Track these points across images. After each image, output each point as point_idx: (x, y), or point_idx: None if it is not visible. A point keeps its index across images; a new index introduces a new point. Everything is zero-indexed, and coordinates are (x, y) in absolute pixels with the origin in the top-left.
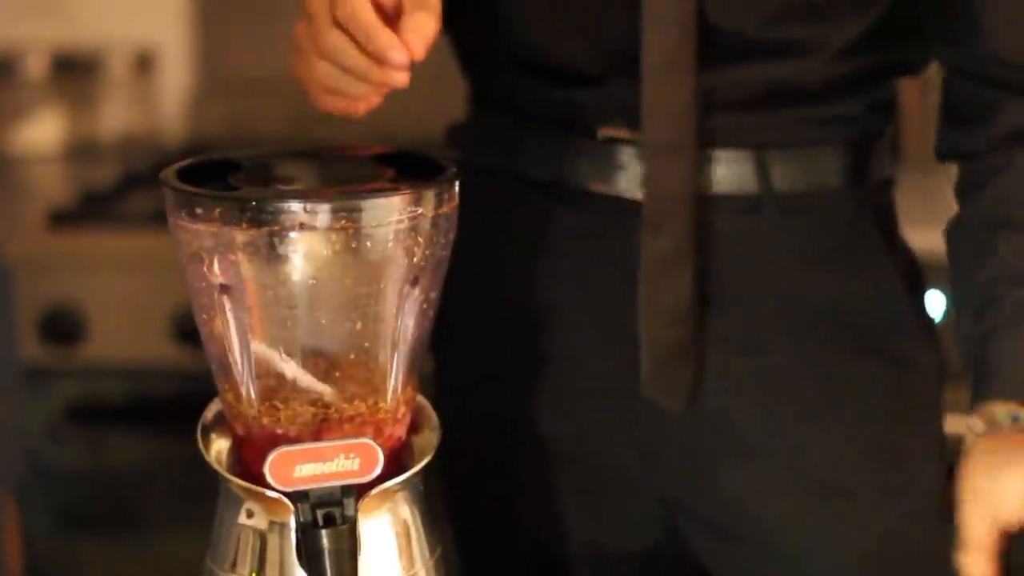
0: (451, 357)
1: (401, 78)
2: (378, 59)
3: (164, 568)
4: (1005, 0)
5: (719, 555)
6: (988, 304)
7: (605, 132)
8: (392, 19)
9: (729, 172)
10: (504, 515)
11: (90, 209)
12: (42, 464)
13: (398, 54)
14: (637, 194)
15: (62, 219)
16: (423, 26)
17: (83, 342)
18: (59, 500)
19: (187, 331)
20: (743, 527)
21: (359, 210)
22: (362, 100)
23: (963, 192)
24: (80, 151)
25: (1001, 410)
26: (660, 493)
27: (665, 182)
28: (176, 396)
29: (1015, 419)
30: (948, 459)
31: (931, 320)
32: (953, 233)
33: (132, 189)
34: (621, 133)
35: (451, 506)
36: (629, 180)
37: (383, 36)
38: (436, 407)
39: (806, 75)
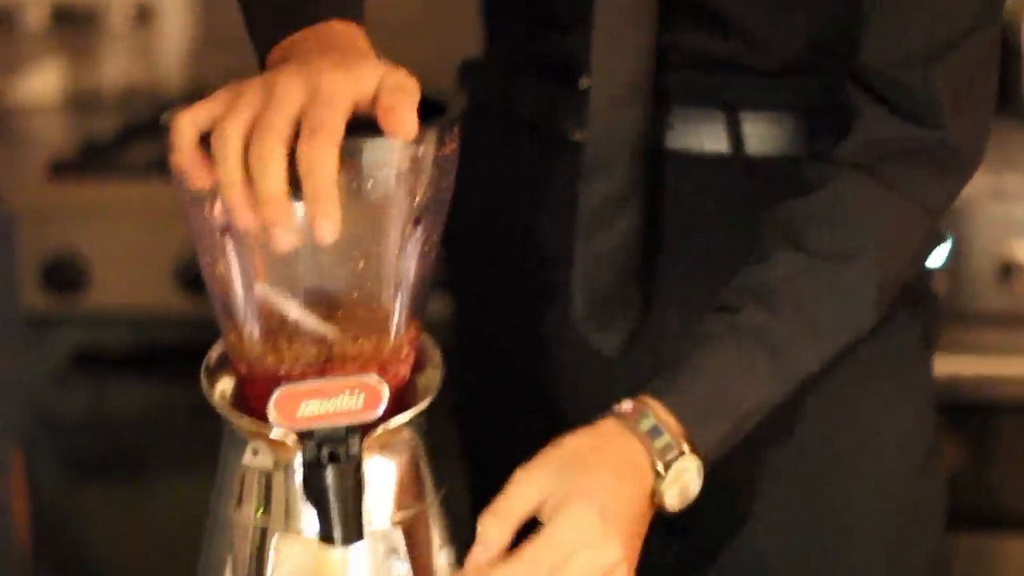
0: (463, 298)
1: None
2: (310, 208)
3: (170, 514)
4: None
5: None
6: (728, 305)
7: (584, 82)
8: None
9: (693, 129)
10: (516, 456)
11: (91, 159)
12: (47, 413)
13: (328, 234)
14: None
15: (63, 169)
16: (405, 103)
17: (86, 291)
18: (64, 448)
19: (190, 278)
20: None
21: (360, 151)
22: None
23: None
24: (81, 102)
25: (656, 417)
26: None
27: (605, 127)
28: (180, 343)
29: (654, 434)
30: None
31: (918, 284)
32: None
33: (133, 139)
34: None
35: (464, 446)
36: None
37: (329, 203)
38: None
39: (766, 55)
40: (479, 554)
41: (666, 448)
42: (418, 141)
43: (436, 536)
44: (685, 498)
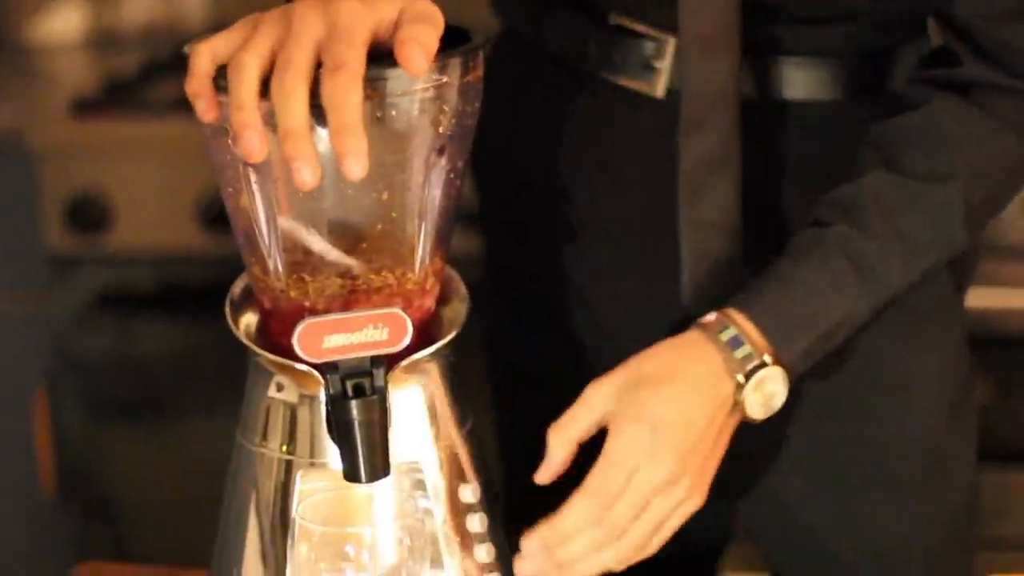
0: (491, 228)
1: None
2: (337, 145)
3: (194, 453)
4: None
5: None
6: (819, 219)
7: (617, 19)
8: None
9: (759, 77)
10: (543, 390)
11: (114, 97)
12: (71, 353)
13: (356, 171)
14: (637, 84)
15: (86, 107)
16: (423, 37)
17: (110, 230)
18: (89, 388)
19: (213, 216)
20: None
21: (384, 79)
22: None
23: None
24: (103, 39)
25: (737, 327)
26: None
27: (705, 79)
28: (204, 282)
29: (734, 344)
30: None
31: None
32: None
33: (155, 76)
34: (630, 22)
35: (492, 378)
36: (631, 70)
37: (356, 138)
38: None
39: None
40: (545, 470)
41: (747, 358)
42: (441, 70)
43: (462, 470)
44: (769, 408)
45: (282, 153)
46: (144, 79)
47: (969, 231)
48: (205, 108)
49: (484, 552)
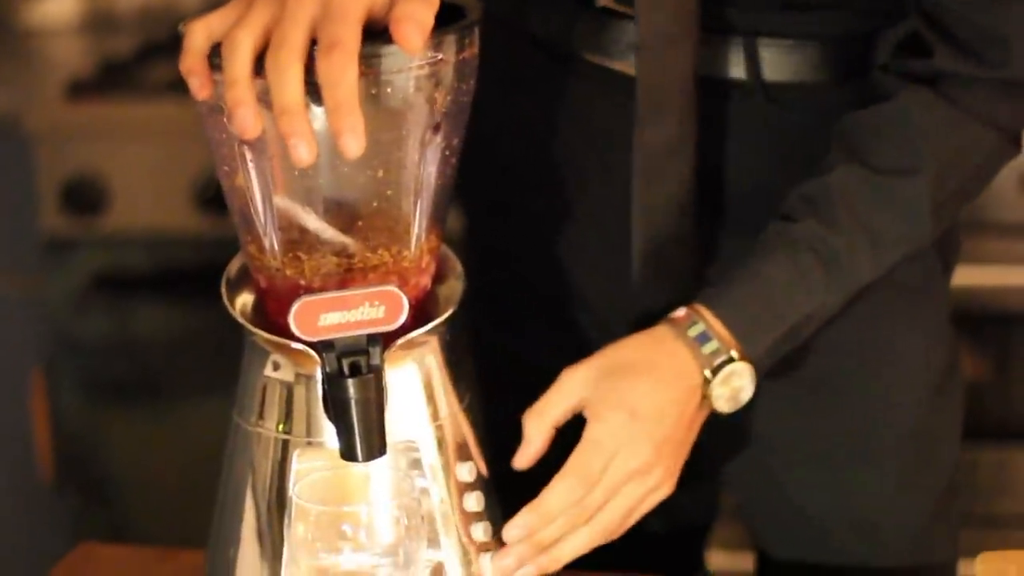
0: (474, 211)
1: (304, 156)
2: (333, 123)
3: (191, 435)
4: None
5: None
6: (788, 214)
7: (603, 2)
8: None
9: (718, 57)
10: (526, 369)
11: (109, 79)
12: (67, 335)
13: (353, 148)
14: (624, 67)
15: (81, 89)
16: (418, 15)
17: (106, 212)
18: (85, 371)
19: (209, 198)
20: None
21: (379, 56)
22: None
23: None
24: (97, 22)
25: (705, 323)
26: None
27: (662, 69)
28: (200, 264)
29: (702, 340)
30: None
31: None
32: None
33: (151, 58)
34: (616, 5)
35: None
36: (622, 54)
37: (353, 116)
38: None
39: None
40: (523, 455)
41: (714, 354)
42: (436, 47)
43: (459, 448)
44: (736, 402)
45: (278, 130)
46: (140, 61)
47: (937, 224)
48: (199, 85)
49: (481, 530)
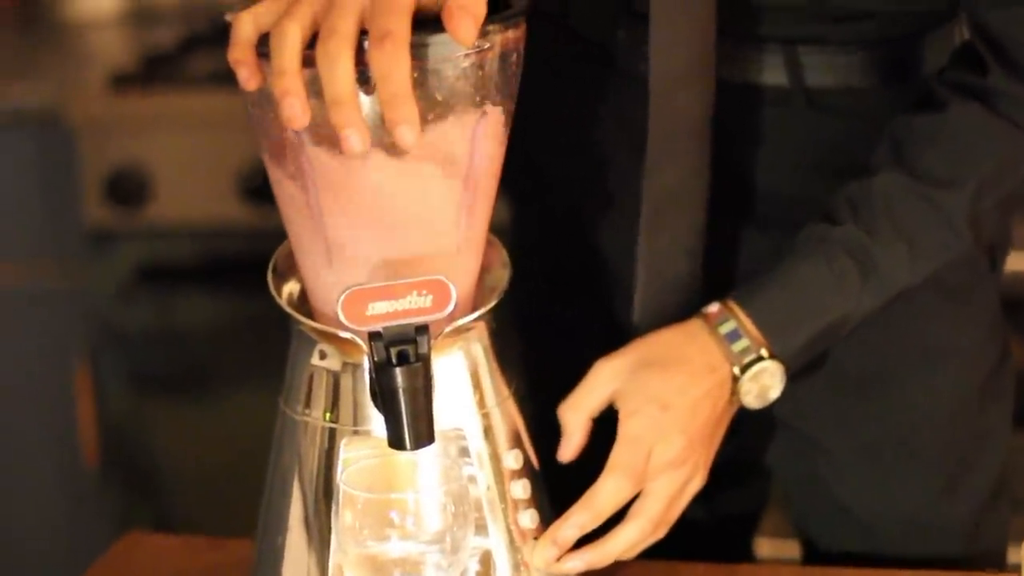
0: (521, 205)
1: (356, 146)
2: (388, 113)
3: (236, 426)
4: None
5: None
6: (830, 214)
7: (639, 8)
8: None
9: (755, 65)
10: (569, 356)
11: (152, 71)
12: (112, 327)
13: (409, 139)
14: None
15: (125, 81)
16: (472, 5)
17: (149, 204)
18: (130, 362)
19: (253, 189)
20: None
21: (426, 45)
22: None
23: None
24: (140, 14)
25: (737, 321)
26: None
27: (673, 115)
28: (244, 254)
29: (732, 338)
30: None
31: None
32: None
33: (193, 50)
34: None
35: (523, 348)
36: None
37: (407, 106)
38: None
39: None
40: (566, 448)
41: (744, 351)
42: (483, 36)
43: (506, 436)
44: (764, 399)
45: (329, 121)
46: (182, 53)
47: (975, 233)
48: (247, 76)
49: (528, 518)
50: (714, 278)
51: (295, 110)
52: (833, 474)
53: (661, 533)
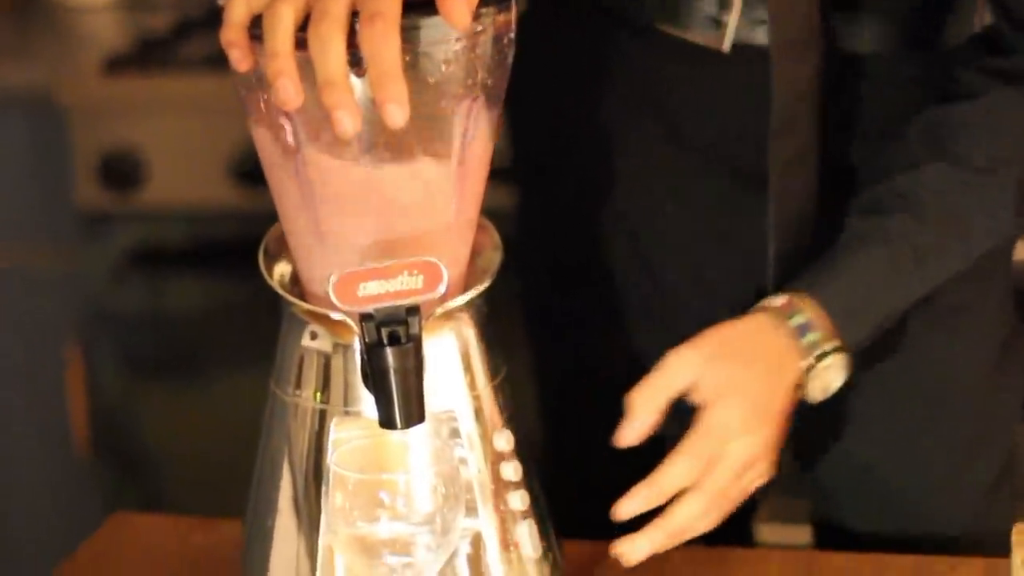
0: (530, 190)
1: (348, 127)
2: (377, 92)
3: (228, 410)
4: None
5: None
6: (881, 207)
7: None
8: None
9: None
10: (578, 344)
11: (146, 54)
12: (104, 310)
13: (397, 117)
14: (702, 38)
15: (119, 64)
16: None
17: (142, 187)
18: (122, 345)
19: (245, 172)
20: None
21: (417, 27)
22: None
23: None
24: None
25: (807, 313)
26: None
27: (792, 81)
28: (236, 238)
29: (803, 330)
30: None
31: None
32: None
33: (188, 34)
34: None
35: (527, 328)
36: (695, 24)
37: (396, 85)
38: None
39: None
40: (631, 430)
41: (814, 344)
42: (476, 17)
43: (496, 417)
44: (827, 391)
45: (321, 102)
46: (176, 37)
47: (1018, 216)
48: (240, 57)
49: (518, 499)
50: None
51: (288, 91)
52: (856, 432)
53: (718, 517)
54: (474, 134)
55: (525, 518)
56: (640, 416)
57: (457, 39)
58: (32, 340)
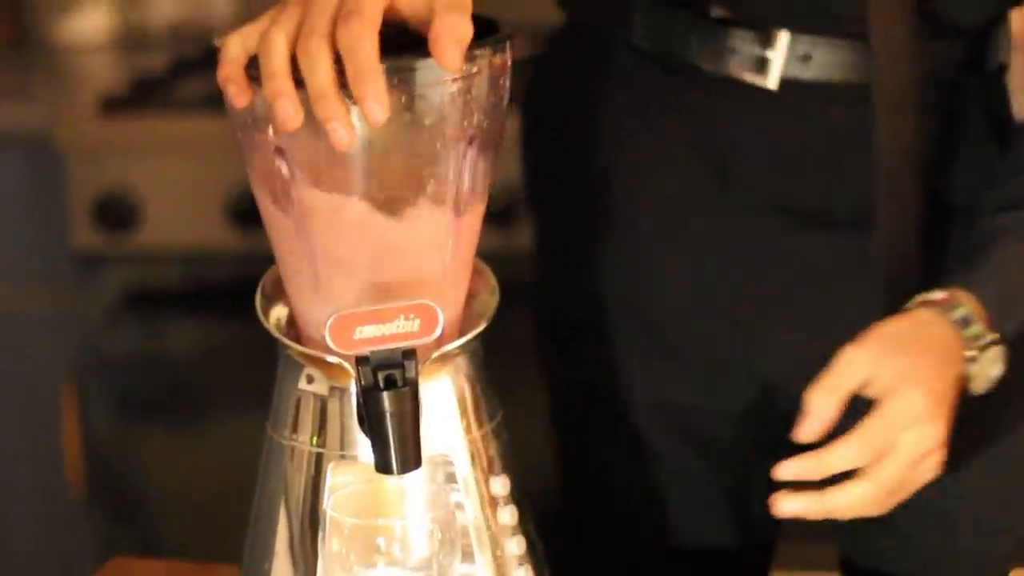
0: (545, 226)
1: (343, 138)
2: (356, 90)
3: (224, 452)
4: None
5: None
6: (1016, 201)
7: (717, 11)
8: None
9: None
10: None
11: (142, 95)
12: (99, 351)
13: (377, 113)
14: (748, 76)
15: (114, 105)
16: (458, 30)
17: (138, 228)
18: (117, 387)
19: (241, 213)
20: None
21: (412, 69)
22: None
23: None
24: (130, 38)
25: (967, 307)
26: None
27: (896, 72)
28: (232, 279)
29: (965, 323)
30: None
31: None
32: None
33: (183, 74)
34: (730, 14)
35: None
36: (740, 62)
37: (374, 82)
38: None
39: None
40: (809, 426)
41: (976, 336)
42: (471, 59)
43: (492, 462)
44: (990, 383)
45: (315, 116)
46: (171, 77)
47: None
48: (236, 92)
49: (515, 544)
50: None
51: (288, 111)
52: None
53: (887, 506)
54: (470, 176)
55: (522, 564)
56: (818, 413)
57: (452, 80)
58: (27, 381)
